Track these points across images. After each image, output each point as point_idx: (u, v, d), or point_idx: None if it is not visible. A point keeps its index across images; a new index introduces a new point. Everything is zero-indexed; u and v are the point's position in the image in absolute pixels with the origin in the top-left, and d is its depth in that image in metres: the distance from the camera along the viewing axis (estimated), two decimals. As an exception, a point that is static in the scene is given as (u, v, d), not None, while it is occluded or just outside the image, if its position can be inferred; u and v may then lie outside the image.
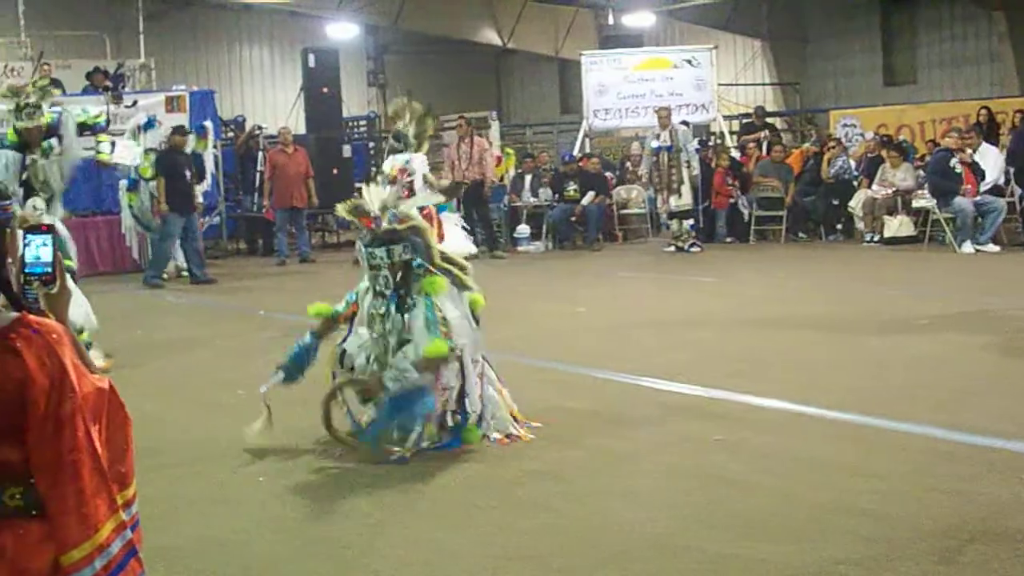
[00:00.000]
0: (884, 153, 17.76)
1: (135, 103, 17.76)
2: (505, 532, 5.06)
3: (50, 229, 2.57)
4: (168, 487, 5.84)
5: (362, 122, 25.19)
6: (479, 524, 5.19)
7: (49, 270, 2.54)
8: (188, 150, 15.71)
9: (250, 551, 4.97)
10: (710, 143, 20.80)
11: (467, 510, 5.42)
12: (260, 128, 20.88)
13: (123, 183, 15.40)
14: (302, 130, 20.41)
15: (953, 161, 15.78)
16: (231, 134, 21.75)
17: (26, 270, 2.52)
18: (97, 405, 2.42)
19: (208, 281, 15.33)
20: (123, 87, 18.99)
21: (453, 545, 4.94)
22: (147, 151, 15.33)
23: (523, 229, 18.92)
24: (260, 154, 19.53)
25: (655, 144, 17.32)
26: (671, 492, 5.53)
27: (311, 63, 20.37)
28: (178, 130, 15.80)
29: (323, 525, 5.28)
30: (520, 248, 18.66)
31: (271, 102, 29.83)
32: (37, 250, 2.54)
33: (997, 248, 15.48)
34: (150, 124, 15.65)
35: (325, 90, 20.15)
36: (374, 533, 5.13)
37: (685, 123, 18.46)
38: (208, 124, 17.19)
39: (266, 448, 6.48)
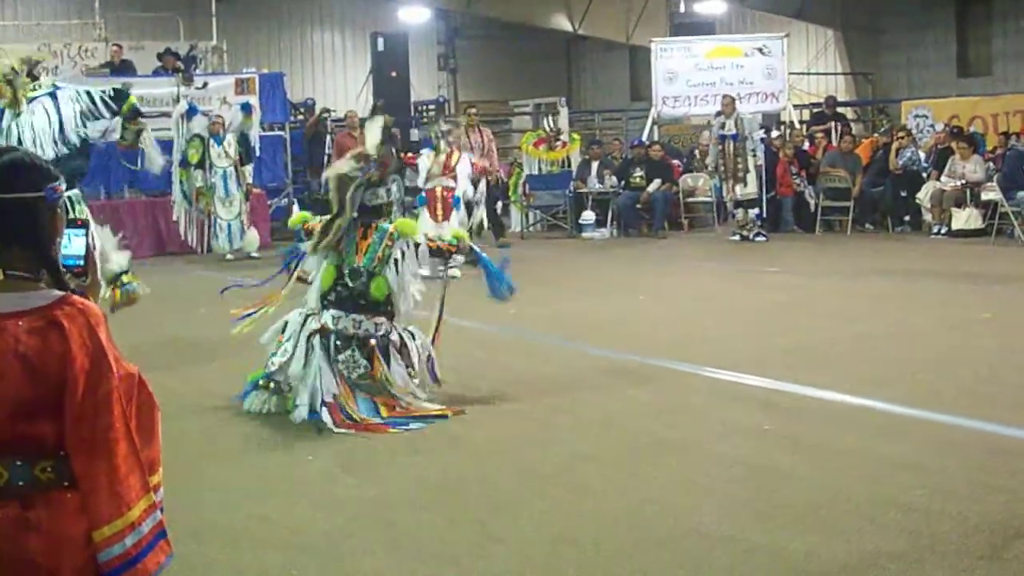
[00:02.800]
0: (954, 144, 17.50)
1: (205, 85, 17.96)
2: (552, 516, 5.10)
3: (84, 224, 2.66)
4: (220, 467, 5.95)
5: (431, 106, 25.23)
6: (527, 508, 5.23)
7: (81, 263, 2.63)
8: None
9: (303, 530, 5.04)
10: (776, 132, 20.57)
11: (515, 494, 5.46)
12: (328, 111, 21.00)
13: (176, 158, 15.46)
14: (370, 114, 20.49)
15: None
16: (300, 117, 21.90)
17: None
18: (128, 390, 2.47)
19: None
20: (195, 69, 19.17)
21: (500, 528, 4.99)
22: (191, 138, 15.51)
23: (588, 215, 18.84)
24: (328, 137, 19.64)
25: (720, 132, 17.25)
26: (719, 481, 5.53)
27: (380, 47, 20.48)
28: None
29: (371, 504, 5.34)
30: (585, 235, 18.61)
31: (341, 86, 29.98)
32: (70, 242, 2.62)
33: (1068, 243, 15.25)
34: (193, 111, 15.78)
35: (394, 74, 20.24)
36: (422, 515, 5.18)
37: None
38: (253, 101, 17.23)
39: (315, 430, 6.56)
